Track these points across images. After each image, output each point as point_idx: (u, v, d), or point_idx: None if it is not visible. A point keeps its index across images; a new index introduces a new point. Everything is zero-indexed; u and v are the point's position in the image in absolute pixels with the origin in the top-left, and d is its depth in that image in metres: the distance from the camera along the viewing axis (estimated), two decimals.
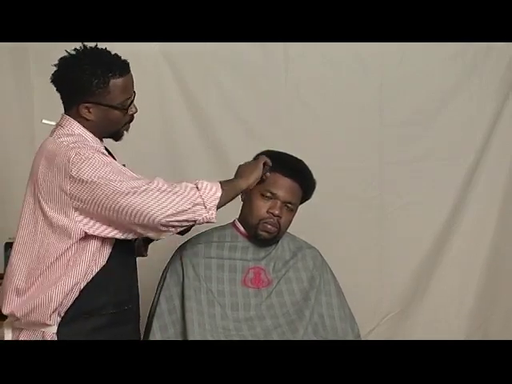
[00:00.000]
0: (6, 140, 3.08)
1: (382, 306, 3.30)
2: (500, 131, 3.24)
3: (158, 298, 2.31)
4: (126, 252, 2.13)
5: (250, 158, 2.41)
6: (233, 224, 2.43)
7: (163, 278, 2.34)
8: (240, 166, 2.27)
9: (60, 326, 2.03)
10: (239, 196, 2.38)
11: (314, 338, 2.26)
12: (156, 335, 2.25)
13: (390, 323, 3.30)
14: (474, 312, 3.31)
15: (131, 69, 2.10)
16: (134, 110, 2.11)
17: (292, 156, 2.40)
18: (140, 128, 2.85)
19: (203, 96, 3.15)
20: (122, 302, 2.11)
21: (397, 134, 3.22)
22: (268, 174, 2.29)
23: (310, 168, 2.40)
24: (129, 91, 2.08)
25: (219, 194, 2.03)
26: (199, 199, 1.99)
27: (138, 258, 2.25)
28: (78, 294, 2.03)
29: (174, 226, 1.99)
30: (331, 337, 2.29)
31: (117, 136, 2.14)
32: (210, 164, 3.17)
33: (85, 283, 2.03)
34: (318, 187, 2.42)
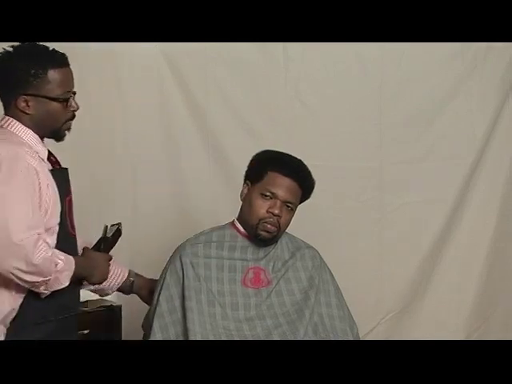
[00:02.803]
0: None
1: (382, 306, 3.30)
2: (500, 131, 3.24)
3: (158, 298, 2.30)
4: (69, 252, 2.00)
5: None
6: (232, 224, 2.42)
7: (163, 278, 2.34)
8: (94, 256, 2.12)
9: (7, 336, 1.92)
10: (239, 195, 2.39)
11: (314, 338, 2.26)
12: (157, 335, 2.24)
13: (390, 323, 3.30)
14: (473, 312, 3.31)
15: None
16: (75, 106, 2.00)
17: (292, 156, 2.39)
18: (140, 128, 2.88)
19: (203, 96, 3.14)
20: (69, 307, 2.04)
21: (397, 134, 3.23)
22: None
23: (310, 168, 2.40)
24: (69, 84, 1.99)
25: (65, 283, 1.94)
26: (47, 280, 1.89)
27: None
28: (21, 300, 1.92)
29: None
30: (331, 337, 2.29)
31: (58, 135, 2.02)
32: (210, 164, 3.17)
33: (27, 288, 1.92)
34: (317, 187, 2.42)
